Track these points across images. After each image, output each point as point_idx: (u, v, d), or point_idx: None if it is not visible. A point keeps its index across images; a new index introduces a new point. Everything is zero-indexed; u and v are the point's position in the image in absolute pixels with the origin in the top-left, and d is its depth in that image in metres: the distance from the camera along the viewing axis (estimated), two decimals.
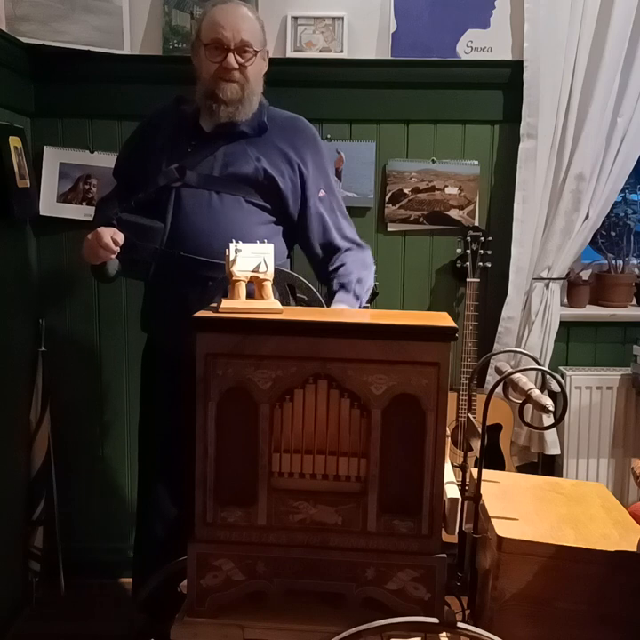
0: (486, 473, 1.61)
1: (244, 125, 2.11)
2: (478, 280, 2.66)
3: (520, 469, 2.80)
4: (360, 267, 2.16)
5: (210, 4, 2.15)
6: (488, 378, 2.72)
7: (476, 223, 2.76)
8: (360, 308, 2.11)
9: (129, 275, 2.15)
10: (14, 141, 2.47)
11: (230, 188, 2.10)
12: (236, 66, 2.05)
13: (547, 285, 2.75)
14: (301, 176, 2.15)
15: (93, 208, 2.48)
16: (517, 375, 1.59)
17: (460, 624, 1.47)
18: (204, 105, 2.10)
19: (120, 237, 1.98)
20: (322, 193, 2.18)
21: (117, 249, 1.98)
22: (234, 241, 1.61)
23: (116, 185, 2.28)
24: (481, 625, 1.51)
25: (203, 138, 2.13)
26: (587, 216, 2.72)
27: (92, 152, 2.70)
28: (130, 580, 2.30)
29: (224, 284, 1.83)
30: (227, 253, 1.60)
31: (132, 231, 2.03)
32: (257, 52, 2.08)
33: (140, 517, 2.31)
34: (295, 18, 2.66)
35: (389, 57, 2.68)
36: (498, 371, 1.78)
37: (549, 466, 2.85)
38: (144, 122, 2.26)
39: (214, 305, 1.61)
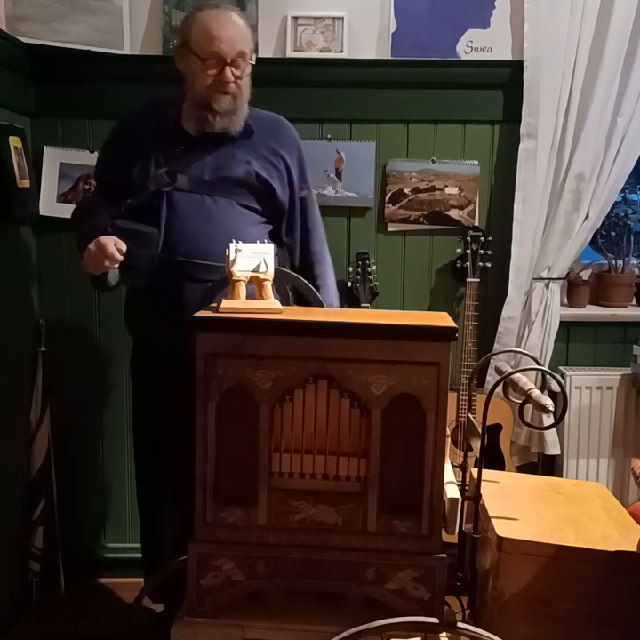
0: (486, 473, 1.61)
1: (235, 130, 2.11)
2: (478, 280, 2.66)
3: (520, 469, 2.80)
4: (333, 290, 2.29)
5: (196, 8, 2.11)
6: (488, 378, 2.71)
7: (476, 223, 2.76)
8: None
9: (126, 282, 2.14)
10: (14, 141, 2.47)
11: (222, 191, 2.11)
12: (233, 79, 2.04)
13: (547, 285, 2.75)
14: (288, 175, 2.18)
15: None
16: (517, 375, 1.59)
17: (460, 624, 1.47)
18: (196, 114, 2.08)
19: (122, 245, 1.97)
20: (304, 193, 2.23)
21: (122, 257, 1.97)
22: (234, 241, 1.61)
23: (97, 189, 2.25)
24: (481, 625, 1.51)
25: (190, 141, 2.11)
26: (587, 216, 2.72)
27: (92, 152, 2.69)
28: (130, 579, 2.30)
29: (223, 285, 1.83)
30: (227, 253, 1.60)
31: (128, 238, 2.01)
32: (248, 61, 2.08)
33: (143, 520, 2.33)
34: (295, 18, 2.66)
35: (389, 57, 2.68)
36: (498, 371, 1.78)
37: (549, 466, 2.85)
38: (122, 125, 2.24)
39: (214, 305, 1.61)
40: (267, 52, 2.67)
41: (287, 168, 2.17)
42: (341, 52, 2.66)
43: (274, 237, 2.21)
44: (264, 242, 1.65)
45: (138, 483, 2.33)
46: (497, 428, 2.71)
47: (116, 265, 1.99)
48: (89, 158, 2.69)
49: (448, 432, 1.65)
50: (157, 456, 2.21)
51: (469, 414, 2.54)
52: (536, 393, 1.53)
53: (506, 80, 2.68)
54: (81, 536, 2.85)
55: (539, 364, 1.83)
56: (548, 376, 2.53)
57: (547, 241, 2.73)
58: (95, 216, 2.11)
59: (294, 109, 2.67)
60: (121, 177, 2.14)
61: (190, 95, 2.10)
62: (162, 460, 2.19)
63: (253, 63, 2.11)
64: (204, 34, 2.03)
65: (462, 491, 1.61)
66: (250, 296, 1.60)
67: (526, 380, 1.59)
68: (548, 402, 1.49)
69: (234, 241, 1.62)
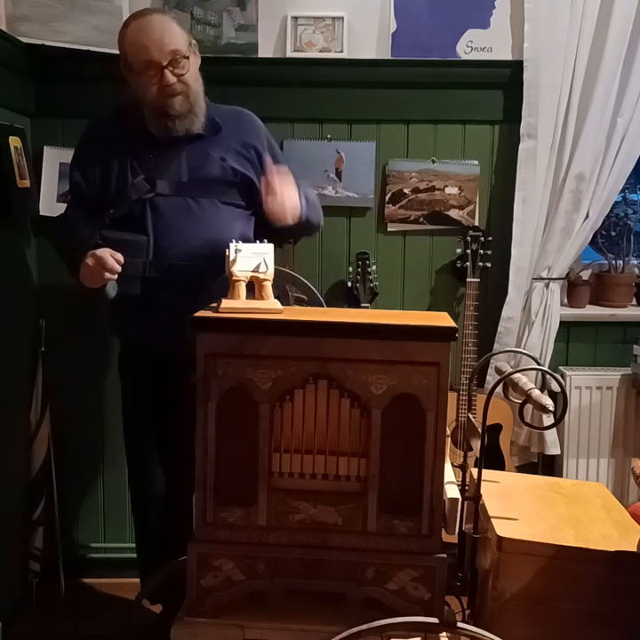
0: (486, 473, 1.61)
1: (199, 128, 2.11)
2: (478, 280, 2.66)
3: (520, 469, 2.80)
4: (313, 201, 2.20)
5: (124, 25, 2.07)
6: (488, 378, 2.71)
7: (476, 223, 2.76)
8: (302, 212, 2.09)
9: (120, 291, 2.07)
10: (14, 141, 2.47)
11: (203, 192, 2.10)
12: (175, 80, 2.02)
13: (547, 285, 2.75)
14: (261, 163, 2.16)
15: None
16: (517, 375, 1.59)
17: (460, 624, 1.47)
18: (157, 122, 2.07)
19: (119, 256, 1.97)
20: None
21: (120, 268, 1.97)
22: (234, 241, 1.62)
23: (73, 201, 2.22)
24: (481, 625, 1.51)
25: (161, 146, 2.11)
26: (587, 216, 2.72)
27: None
28: (129, 579, 2.30)
29: (222, 286, 1.83)
30: (227, 253, 1.60)
31: (119, 248, 2.00)
32: (187, 56, 2.04)
33: (136, 521, 2.33)
34: (295, 18, 2.66)
35: (389, 57, 2.68)
36: (498, 371, 1.78)
37: (549, 466, 2.85)
38: (88, 136, 2.21)
39: (214, 305, 1.61)
40: (267, 52, 2.67)
41: (259, 157, 2.16)
42: (341, 51, 2.66)
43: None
44: (264, 241, 1.65)
45: (130, 483, 2.33)
46: (497, 428, 2.71)
47: (116, 276, 1.98)
48: None
49: (448, 432, 1.65)
50: (150, 455, 2.21)
51: (469, 414, 2.54)
52: (536, 393, 1.53)
53: (506, 80, 2.68)
54: (81, 536, 2.85)
55: (539, 364, 1.83)
56: (548, 376, 2.53)
57: (547, 241, 2.73)
58: (80, 230, 2.10)
59: (294, 109, 2.68)
60: (98, 187, 2.12)
61: (146, 107, 2.08)
62: (155, 460, 2.20)
63: (195, 53, 2.08)
64: (134, 49, 2.02)
65: (462, 491, 1.61)
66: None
67: (526, 380, 1.59)
68: (548, 402, 1.49)
69: (234, 240, 1.62)
